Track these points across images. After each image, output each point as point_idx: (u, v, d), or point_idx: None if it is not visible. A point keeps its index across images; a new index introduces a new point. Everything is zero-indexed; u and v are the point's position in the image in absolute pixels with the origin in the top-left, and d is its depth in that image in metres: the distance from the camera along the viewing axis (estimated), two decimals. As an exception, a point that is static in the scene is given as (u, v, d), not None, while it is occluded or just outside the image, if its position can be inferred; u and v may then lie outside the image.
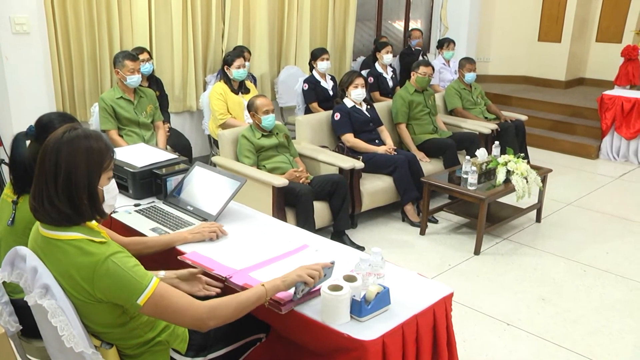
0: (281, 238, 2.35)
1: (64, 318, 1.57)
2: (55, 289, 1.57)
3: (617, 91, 6.69)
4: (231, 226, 2.45)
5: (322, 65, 5.51)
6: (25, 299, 1.64)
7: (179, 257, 2.16)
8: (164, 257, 2.25)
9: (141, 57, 4.66)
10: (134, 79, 4.24)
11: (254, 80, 5.67)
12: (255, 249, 2.23)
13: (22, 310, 1.85)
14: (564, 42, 8.38)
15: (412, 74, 5.17)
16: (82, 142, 1.61)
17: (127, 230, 2.44)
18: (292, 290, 1.85)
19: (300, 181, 4.00)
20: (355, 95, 4.66)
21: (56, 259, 1.61)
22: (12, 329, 1.86)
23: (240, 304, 1.71)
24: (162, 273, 1.99)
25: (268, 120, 4.03)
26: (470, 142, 5.09)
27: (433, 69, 5.30)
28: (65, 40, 4.67)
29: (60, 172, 1.58)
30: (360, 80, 4.68)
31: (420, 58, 7.02)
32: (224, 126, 4.74)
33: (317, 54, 5.56)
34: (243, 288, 1.90)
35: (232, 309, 1.70)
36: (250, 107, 4.09)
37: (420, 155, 4.88)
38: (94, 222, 1.72)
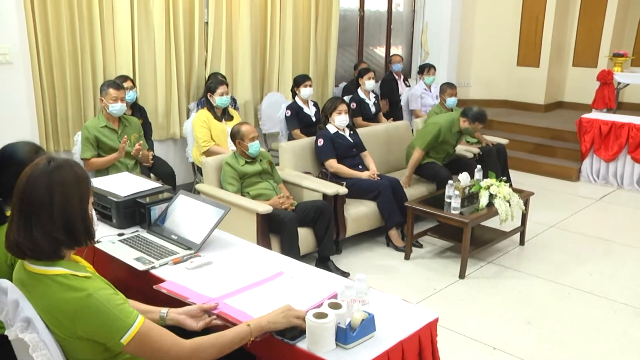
0: (258, 265, 2.35)
1: (46, 352, 1.55)
2: (37, 322, 1.55)
3: (594, 114, 6.82)
4: (214, 254, 2.45)
5: (305, 91, 5.56)
6: (5, 334, 1.61)
7: (154, 287, 2.14)
8: (138, 286, 2.24)
9: (125, 85, 4.67)
10: (117, 107, 4.23)
11: (235, 103, 5.69)
12: (231, 277, 2.22)
13: (1, 346, 1.81)
14: (542, 67, 8.55)
15: (462, 121, 4.92)
16: (69, 170, 1.62)
17: (110, 261, 2.42)
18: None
19: (284, 207, 4.00)
20: (339, 122, 4.70)
21: (40, 294, 1.59)
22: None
23: (223, 345, 1.72)
24: (164, 310, 1.92)
25: (254, 147, 4.04)
26: (465, 166, 5.11)
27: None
28: (48, 69, 4.66)
29: (54, 201, 1.56)
30: (343, 107, 4.73)
31: (401, 84, 7.12)
32: (208, 153, 4.74)
33: (299, 81, 5.61)
34: (218, 316, 1.91)
35: (216, 350, 1.70)
36: (235, 135, 4.10)
37: (405, 180, 4.91)
38: (77, 256, 1.71)
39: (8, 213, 2.03)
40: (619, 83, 7.55)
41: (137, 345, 1.58)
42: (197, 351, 1.66)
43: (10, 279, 1.70)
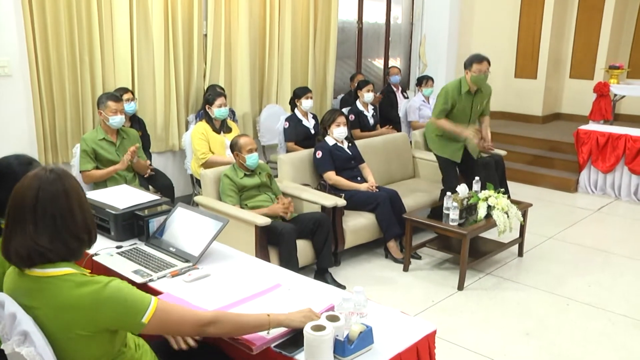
0: (256, 278, 2.35)
1: (42, 365, 1.55)
2: (35, 335, 1.55)
3: (591, 126, 6.86)
4: (212, 267, 2.45)
5: (306, 103, 5.58)
6: (1, 347, 1.61)
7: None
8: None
9: (125, 96, 4.70)
10: (117, 120, 4.25)
11: (233, 114, 5.71)
12: (228, 289, 2.23)
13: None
14: (539, 79, 8.60)
15: (465, 73, 4.86)
16: (71, 177, 1.70)
17: (108, 273, 2.42)
18: (268, 335, 1.85)
19: (284, 212, 4.02)
20: (337, 134, 4.72)
21: (51, 296, 1.60)
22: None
23: (241, 325, 1.80)
24: None
25: (252, 159, 4.05)
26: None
27: (489, 63, 4.83)
28: (47, 82, 4.68)
29: (73, 205, 1.65)
30: (342, 119, 4.75)
31: (400, 96, 7.15)
32: (207, 165, 4.75)
33: (300, 93, 5.62)
34: None
35: (233, 327, 1.79)
36: (234, 147, 4.12)
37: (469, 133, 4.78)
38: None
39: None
40: (615, 95, 7.60)
41: (157, 321, 1.66)
42: (217, 318, 1.76)
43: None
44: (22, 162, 2.11)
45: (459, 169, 5.10)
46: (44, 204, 1.60)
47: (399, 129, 6.64)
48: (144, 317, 1.63)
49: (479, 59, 4.78)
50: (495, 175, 5.63)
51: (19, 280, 1.66)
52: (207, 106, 4.89)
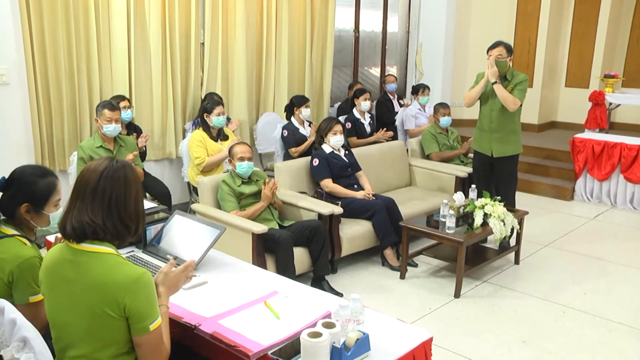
0: (253, 285, 2.36)
1: (41, 372, 1.56)
2: (35, 341, 1.56)
3: (587, 134, 6.89)
4: (209, 274, 2.45)
5: (305, 112, 5.61)
6: (0, 354, 1.61)
7: None
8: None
9: (122, 104, 4.71)
10: (110, 128, 4.26)
11: (228, 120, 5.72)
12: (226, 297, 2.24)
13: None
14: (535, 87, 8.64)
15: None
16: (132, 170, 1.87)
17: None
18: (265, 342, 1.85)
19: (270, 194, 4.06)
20: (334, 142, 4.73)
21: (91, 269, 1.74)
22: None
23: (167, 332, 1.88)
24: None
25: (241, 168, 4.06)
26: None
27: (503, 47, 4.65)
28: (44, 90, 4.69)
29: (123, 194, 1.79)
30: (338, 127, 4.77)
31: (396, 104, 7.18)
32: (206, 168, 4.76)
33: (300, 102, 5.64)
34: (212, 336, 1.93)
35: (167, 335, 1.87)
36: (230, 154, 4.14)
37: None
38: None
39: (6, 231, 2.06)
40: (610, 104, 7.64)
41: (155, 336, 1.75)
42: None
43: (6, 297, 1.71)
44: (37, 172, 2.20)
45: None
46: (104, 185, 1.76)
47: (395, 137, 6.66)
48: (153, 323, 1.74)
49: (493, 46, 4.66)
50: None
51: (65, 252, 1.78)
52: (205, 114, 4.91)
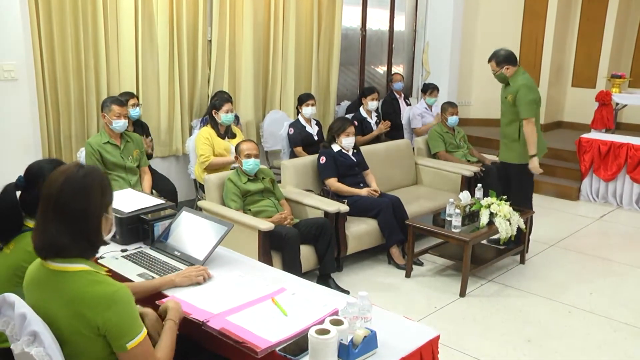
0: (260, 282, 2.36)
1: (51, 366, 1.56)
2: (44, 335, 1.57)
3: (593, 134, 6.88)
4: (216, 271, 2.46)
5: (306, 110, 5.60)
6: (11, 348, 1.62)
7: (157, 302, 2.15)
8: (141, 303, 2.25)
9: (131, 102, 4.73)
10: (120, 124, 4.28)
11: (237, 120, 5.73)
12: (234, 293, 2.24)
13: (5, 360, 1.83)
14: (541, 87, 8.60)
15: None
16: (96, 177, 1.73)
17: (114, 276, 2.43)
18: (273, 339, 1.85)
19: (285, 223, 4.02)
20: (346, 143, 4.73)
21: (63, 288, 1.65)
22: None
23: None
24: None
25: (248, 164, 4.07)
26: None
27: (493, 62, 4.68)
28: (52, 86, 4.71)
29: (89, 205, 1.68)
30: (352, 129, 4.77)
31: (402, 103, 7.17)
32: (209, 167, 4.77)
33: (302, 99, 5.66)
34: (220, 332, 1.93)
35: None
36: (237, 151, 4.15)
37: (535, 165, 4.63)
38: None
39: (31, 224, 2.07)
40: (617, 104, 7.62)
41: (135, 354, 1.65)
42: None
43: (14, 292, 1.72)
44: (54, 167, 2.16)
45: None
46: (65, 200, 1.65)
47: (401, 135, 6.66)
48: (131, 342, 1.64)
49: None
50: (497, 182, 5.63)
51: (39, 271, 1.72)
52: (213, 111, 4.91)
